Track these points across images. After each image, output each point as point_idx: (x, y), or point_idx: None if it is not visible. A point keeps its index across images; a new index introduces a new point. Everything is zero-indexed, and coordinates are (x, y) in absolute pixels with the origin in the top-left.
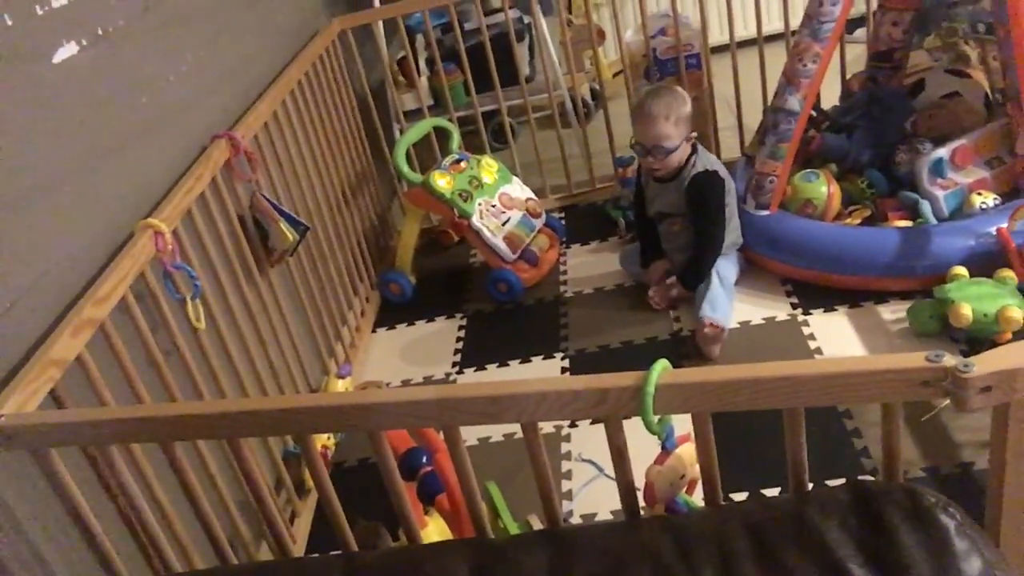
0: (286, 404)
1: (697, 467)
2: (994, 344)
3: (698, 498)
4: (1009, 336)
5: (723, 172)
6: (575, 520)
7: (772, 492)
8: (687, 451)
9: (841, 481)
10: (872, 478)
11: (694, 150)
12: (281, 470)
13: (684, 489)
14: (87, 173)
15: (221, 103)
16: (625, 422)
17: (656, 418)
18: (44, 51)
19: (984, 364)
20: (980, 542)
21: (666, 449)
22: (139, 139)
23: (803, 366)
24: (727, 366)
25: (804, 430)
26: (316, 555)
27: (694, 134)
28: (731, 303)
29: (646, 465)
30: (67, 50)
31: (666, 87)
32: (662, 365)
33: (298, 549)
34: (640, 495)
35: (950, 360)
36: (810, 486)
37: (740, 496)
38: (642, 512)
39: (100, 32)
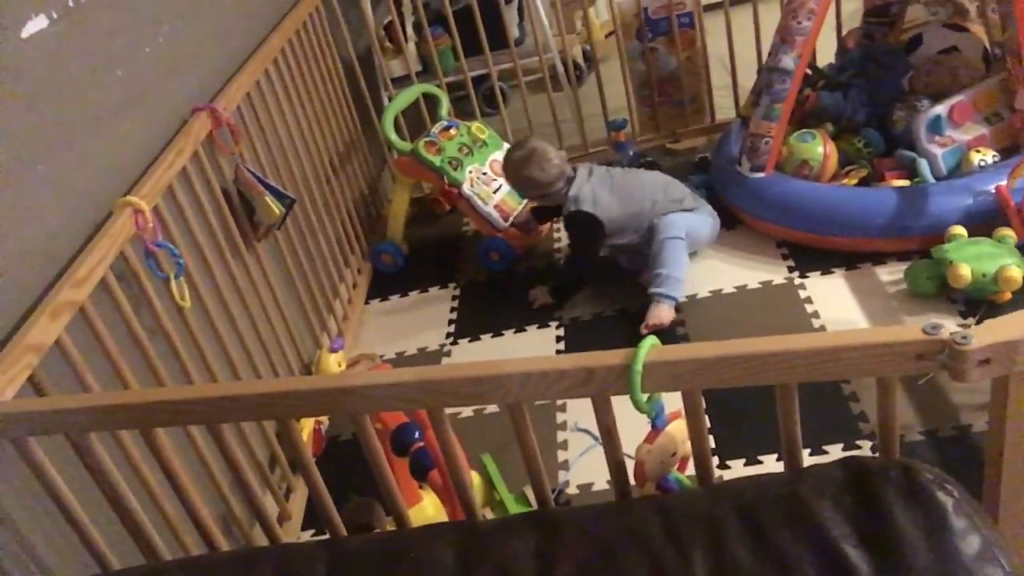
0: (266, 388)
1: (688, 443)
2: (992, 304)
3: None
4: (1008, 296)
5: (592, 200)
6: (572, 490)
7: (770, 457)
8: (678, 428)
9: (838, 446)
10: (869, 453)
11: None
12: (275, 446)
13: (675, 467)
14: (62, 150)
15: (201, 74)
16: (614, 398)
17: (645, 396)
18: (12, 25)
19: (983, 336)
20: (978, 520)
21: (656, 427)
22: (116, 114)
23: (795, 341)
24: (717, 342)
25: (797, 405)
26: (302, 541)
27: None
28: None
29: (637, 441)
30: (36, 24)
31: (529, 151)
32: (650, 342)
33: (294, 525)
34: (630, 474)
35: (947, 332)
36: (807, 452)
37: (738, 463)
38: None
39: (71, 3)
